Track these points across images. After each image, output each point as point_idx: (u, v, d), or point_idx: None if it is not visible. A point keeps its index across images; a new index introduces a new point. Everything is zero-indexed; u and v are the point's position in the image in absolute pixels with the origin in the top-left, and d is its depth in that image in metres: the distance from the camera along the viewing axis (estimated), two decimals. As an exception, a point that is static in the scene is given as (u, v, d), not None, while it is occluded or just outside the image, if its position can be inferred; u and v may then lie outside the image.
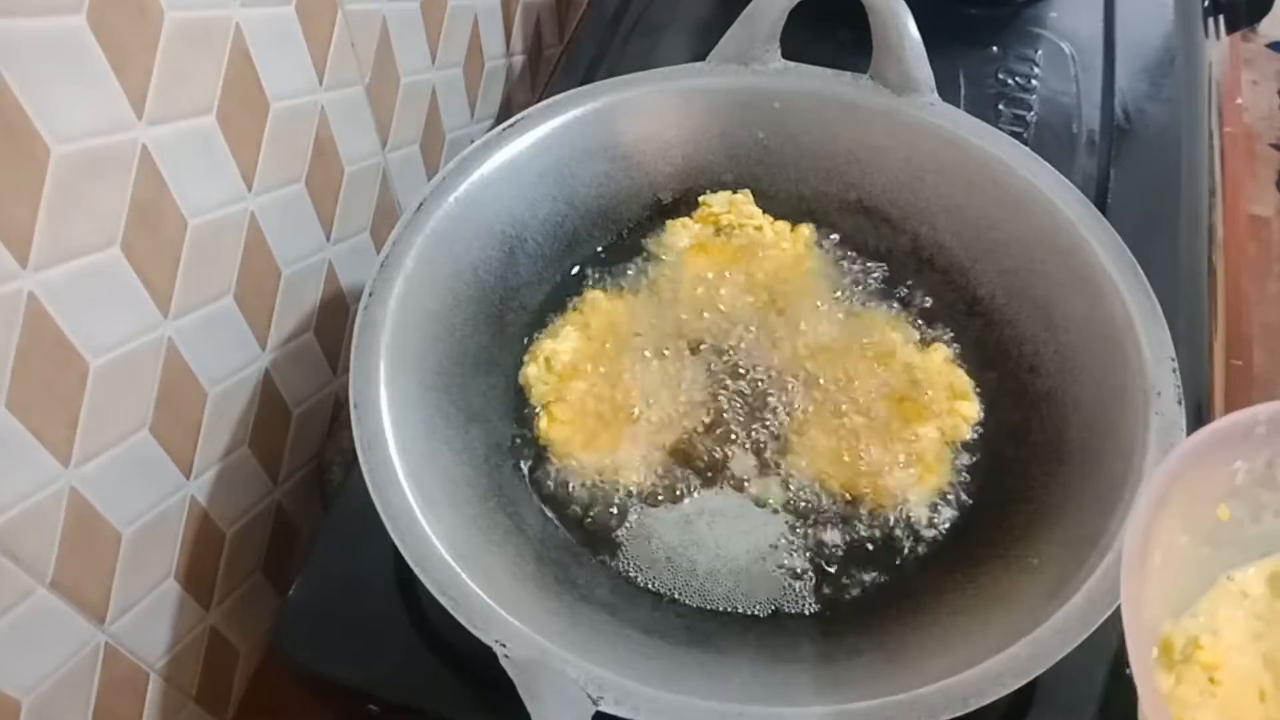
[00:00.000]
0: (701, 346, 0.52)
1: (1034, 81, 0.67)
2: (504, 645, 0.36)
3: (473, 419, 0.47)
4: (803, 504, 0.47)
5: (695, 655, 0.40)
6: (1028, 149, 0.52)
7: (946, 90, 0.54)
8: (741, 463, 0.48)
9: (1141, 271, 0.46)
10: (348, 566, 0.46)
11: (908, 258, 0.55)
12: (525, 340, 0.52)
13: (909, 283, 0.54)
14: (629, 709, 0.35)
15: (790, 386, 0.50)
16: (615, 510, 0.47)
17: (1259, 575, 0.38)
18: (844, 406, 0.49)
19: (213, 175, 0.49)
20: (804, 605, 0.44)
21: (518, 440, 0.49)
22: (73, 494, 0.44)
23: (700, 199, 0.56)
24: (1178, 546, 0.36)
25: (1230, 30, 0.79)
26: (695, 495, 0.47)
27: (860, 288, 0.54)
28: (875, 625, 0.42)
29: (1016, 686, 0.36)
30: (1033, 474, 0.46)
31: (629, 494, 0.47)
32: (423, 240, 0.48)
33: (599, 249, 0.56)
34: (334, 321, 0.64)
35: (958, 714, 0.35)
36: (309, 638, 0.45)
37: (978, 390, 0.50)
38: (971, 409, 0.49)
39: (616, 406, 0.49)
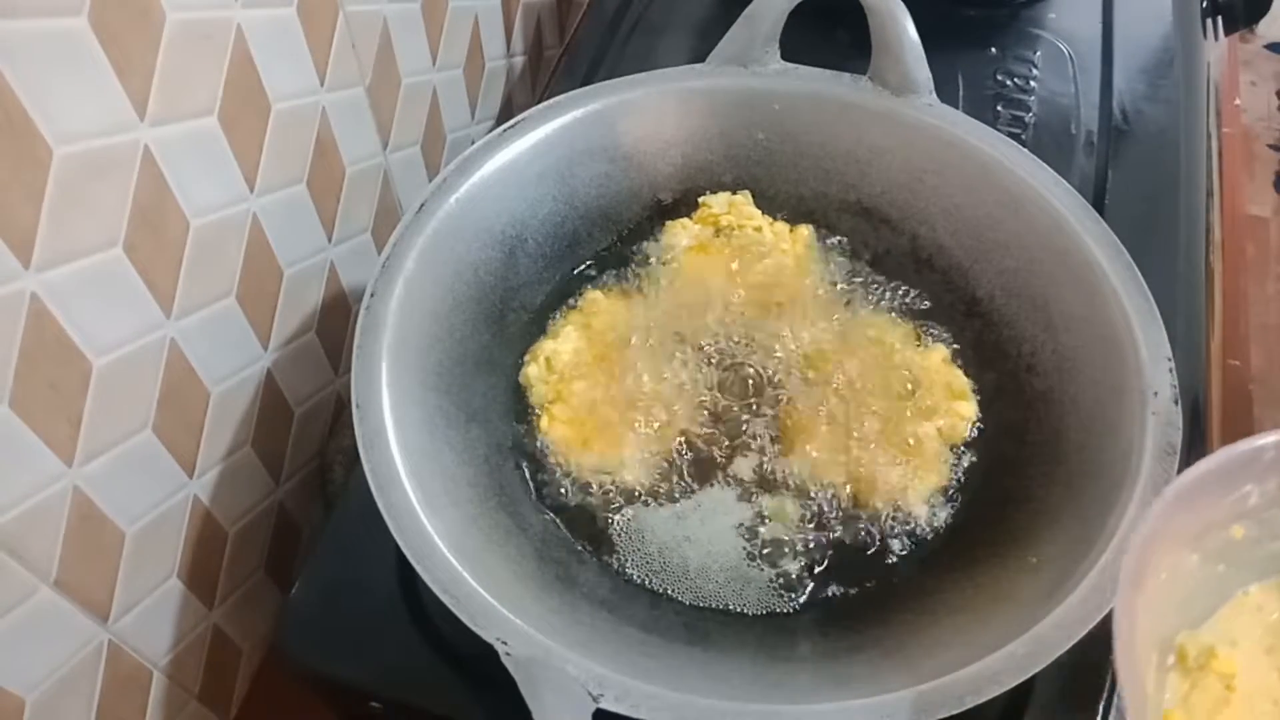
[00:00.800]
0: (701, 347, 0.52)
1: (1032, 82, 0.67)
2: (505, 643, 0.37)
3: (474, 419, 0.47)
4: (801, 503, 0.47)
5: (694, 653, 0.41)
6: (1026, 150, 0.52)
7: (945, 91, 0.55)
8: (739, 462, 0.48)
9: (1139, 272, 0.46)
10: (349, 566, 0.47)
11: (907, 258, 0.55)
12: (526, 340, 0.52)
13: (908, 283, 0.55)
14: (629, 706, 0.36)
15: (789, 386, 0.50)
16: (614, 509, 0.47)
17: (1272, 590, 0.39)
18: (842, 406, 0.49)
19: (215, 176, 0.49)
20: (800, 604, 0.44)
21: (518, 440, 0.49)
22: (76, 493, 0.44)
23: (700, 200, 0.56)
24: (1187, 565, 0.36)
25: (1228, 31, 0.79)
26: (693, 494, 0.47)
27: (859, 288, 0.55)
28: (873, 623, 0.43)
29: (1014, 684, 0.36)
30: (1030, 473, 0.46)
31: (628, 493, 0.47)
32: (424, 241, 0.48)
33: (599, 249, 0.56)
34: (336, 322, 0.64)
35: (955, 712, 0.35)
36: (310, 637, 0.45)
37: (976, 390, 0.50)
38: (970, 409, 0.49)
39: (616, 406, 0.49)
